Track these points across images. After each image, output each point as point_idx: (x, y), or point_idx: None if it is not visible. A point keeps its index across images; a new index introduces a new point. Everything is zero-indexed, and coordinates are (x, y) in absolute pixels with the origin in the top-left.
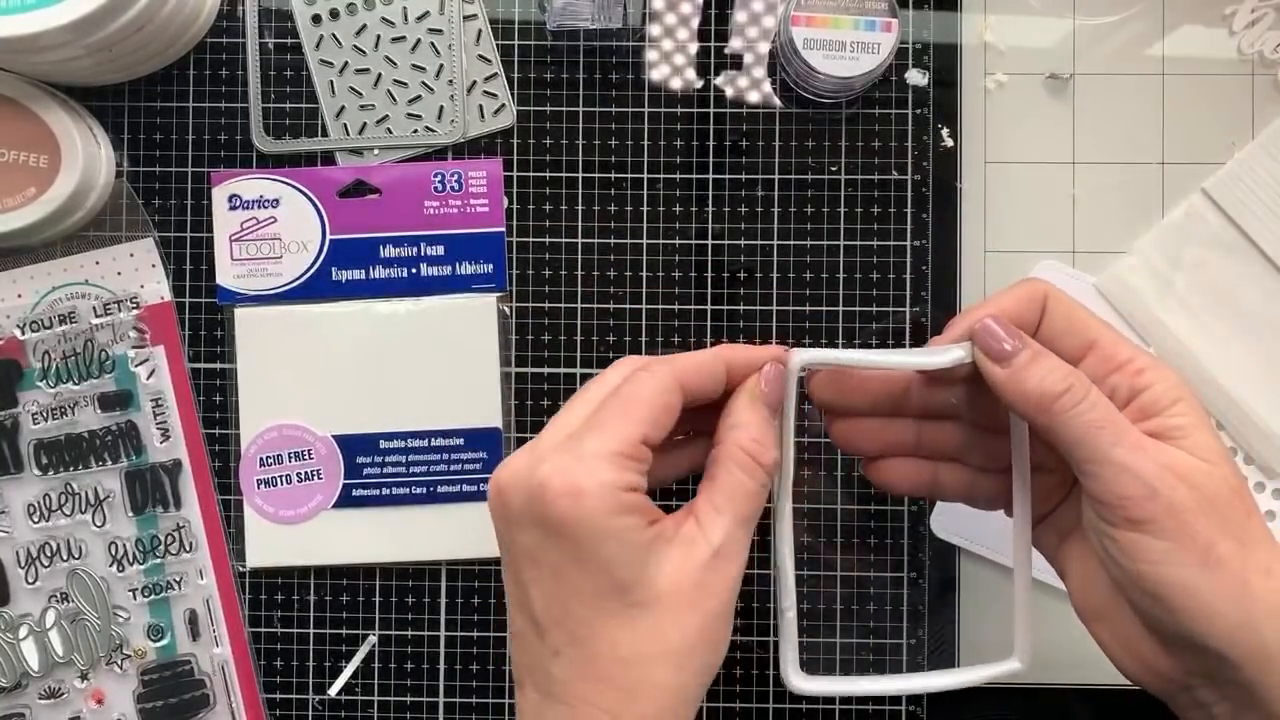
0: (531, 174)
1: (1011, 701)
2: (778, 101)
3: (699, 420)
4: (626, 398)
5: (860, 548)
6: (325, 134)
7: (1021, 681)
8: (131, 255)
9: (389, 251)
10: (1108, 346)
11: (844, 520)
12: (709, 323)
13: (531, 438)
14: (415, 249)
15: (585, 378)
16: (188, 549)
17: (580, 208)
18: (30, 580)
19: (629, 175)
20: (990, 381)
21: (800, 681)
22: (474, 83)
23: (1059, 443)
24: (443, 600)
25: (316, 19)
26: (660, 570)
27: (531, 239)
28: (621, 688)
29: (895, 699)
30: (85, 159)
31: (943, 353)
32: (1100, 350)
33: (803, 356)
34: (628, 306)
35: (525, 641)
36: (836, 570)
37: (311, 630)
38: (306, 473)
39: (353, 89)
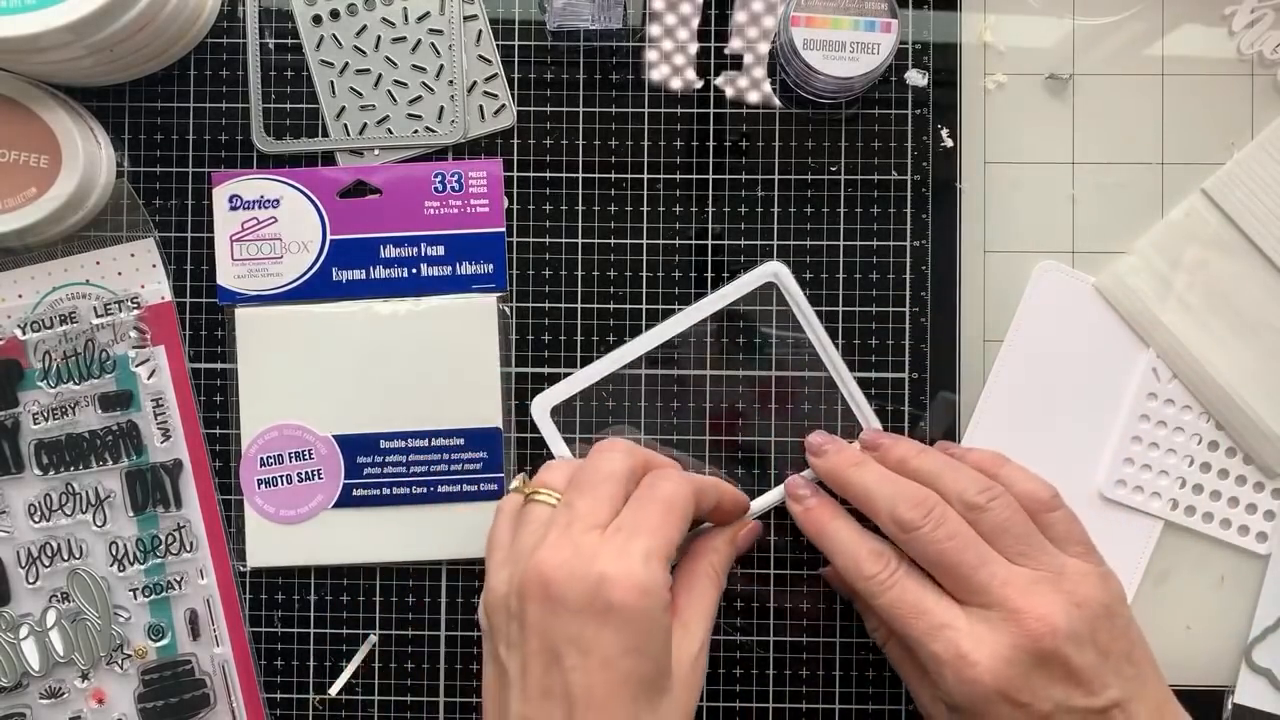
0: (531, 174)
1: None
2: (778, 101)
3: None
4: (666, 505)
5: None
6: (325, 134)
7: None
8: (132, 255)
9: (389, 251)
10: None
11: None
12: (708, 323)
13: (531, 437)
14: (415, 249)
15: None
16: (188, 549)
17: (580, 208)
18: (31, 580)
19: (629, 175)
20: None
21: None
22: (474, 83)
23: None
24: (443, 600)
25: (317, 19)
26: (672, 658)
27: (531, 239)
28: None
29: (894, 699)
30: (85, 159)
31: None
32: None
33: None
34: (628, 306)
35: None
36: None
37: (311, 630)
38: (307, 473)
39: (353, 89)
